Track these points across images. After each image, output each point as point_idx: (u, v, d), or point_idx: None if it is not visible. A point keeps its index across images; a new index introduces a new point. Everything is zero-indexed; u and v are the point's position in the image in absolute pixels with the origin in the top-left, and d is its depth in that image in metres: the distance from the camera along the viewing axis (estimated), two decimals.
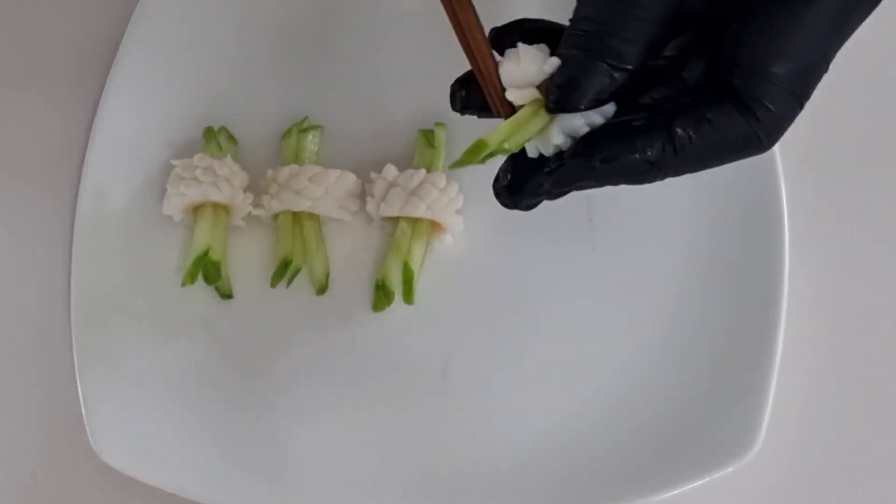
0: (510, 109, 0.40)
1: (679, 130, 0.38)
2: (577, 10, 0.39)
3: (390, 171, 0.55)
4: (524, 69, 0.40)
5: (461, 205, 0.55)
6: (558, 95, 0.39)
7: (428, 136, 0.57)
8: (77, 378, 0.53)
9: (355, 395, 0.54)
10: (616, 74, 0.38)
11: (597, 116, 0.39)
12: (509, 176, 0.41)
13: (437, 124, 0.57)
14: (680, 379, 0.53)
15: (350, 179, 0.56)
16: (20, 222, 0.59)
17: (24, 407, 0.56)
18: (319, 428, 0.53)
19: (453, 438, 0.53)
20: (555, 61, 0.40)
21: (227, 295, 0.56)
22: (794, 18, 0.38)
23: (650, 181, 0.39)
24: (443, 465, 0.53)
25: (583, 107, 0.39)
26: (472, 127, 0.57)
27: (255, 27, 0.61)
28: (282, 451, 0.53)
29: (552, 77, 0.39)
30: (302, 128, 0.58)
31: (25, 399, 0.56)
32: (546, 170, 0.40)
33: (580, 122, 0.39)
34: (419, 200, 0.54)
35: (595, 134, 0.39)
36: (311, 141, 0.58)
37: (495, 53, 0.41)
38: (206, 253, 0.54)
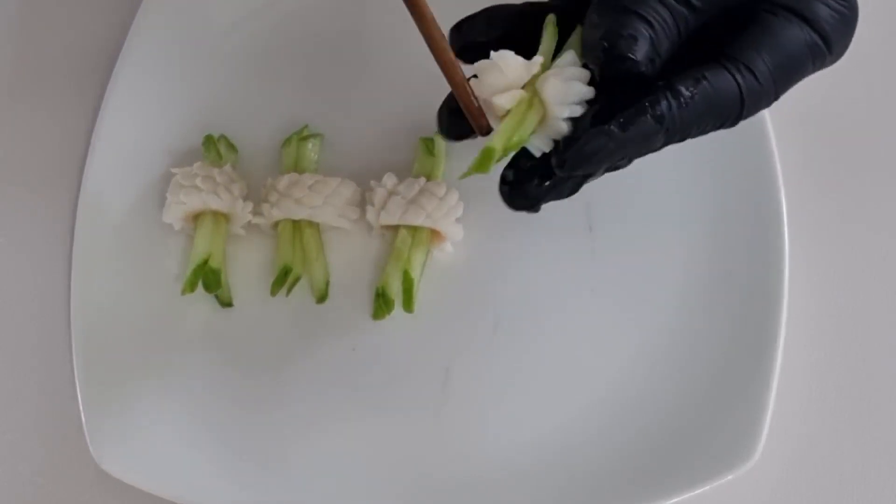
0: (488, 126, 0.41)
1: (682, 88, 0.41)
2: None
3: (390, 179, 0.55)
4: (507, 76, 0.40)
5: (461, 213, 0.55)
6: (602, 47, 0.41)
7: (428, 145, 0.57)
8: (77, 386, 0.53)
9: (355, 403, 0.54)
10: (658, 30, 0.41)
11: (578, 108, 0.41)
12: (513, 175, 0.42)
13: (437, 133, 0.57)
14: (679, 387, 0.53)
15: (350, 188, 0.56)
16: (20, 230, 0.59)
17: (24, 415, 0.56)
18: (319, 436, 0.53)
19: (453, 446, 0.53)
20: (538, 59, 0.40)
21: (227, 303, 0.56)
22: (786, 28, 0.42)
23: (660, 146, 0.42)
24: (443, 473, 0.53)
25: (639, 55, 0.40)
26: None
27: (254, 35, 0.61)
28: (281, 460, 0.53)
29: (595, 36, 0.41)
30: (302, 136, 0.58)
31: (25, 407, 0.56)
32: (558, 154, 0.41)
33: (577, 105, 0.41)
34: (419, 209, 0.54)
35: (606, 102, 0.41)
36: (311, 149, 0.58)
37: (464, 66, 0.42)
38: (206, 261, 0.54)
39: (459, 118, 0.44)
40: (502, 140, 0.40)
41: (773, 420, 0.51)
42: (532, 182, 0.43)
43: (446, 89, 0.58)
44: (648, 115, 0.41)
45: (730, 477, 0.50)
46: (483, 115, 0.42)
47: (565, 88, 0.41)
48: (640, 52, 0.40)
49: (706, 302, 0.54)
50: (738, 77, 0.41)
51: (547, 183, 0.43)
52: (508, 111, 0.42)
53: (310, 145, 0.58)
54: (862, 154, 0.59)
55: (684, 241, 0.55)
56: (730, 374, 0.52)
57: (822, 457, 0.54)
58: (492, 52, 0.42)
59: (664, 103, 0.41)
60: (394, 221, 0.54)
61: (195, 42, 0.60)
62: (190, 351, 0.55)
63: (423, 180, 0.55)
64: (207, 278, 0.54)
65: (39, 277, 0.58)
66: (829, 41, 0.43)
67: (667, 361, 0.54)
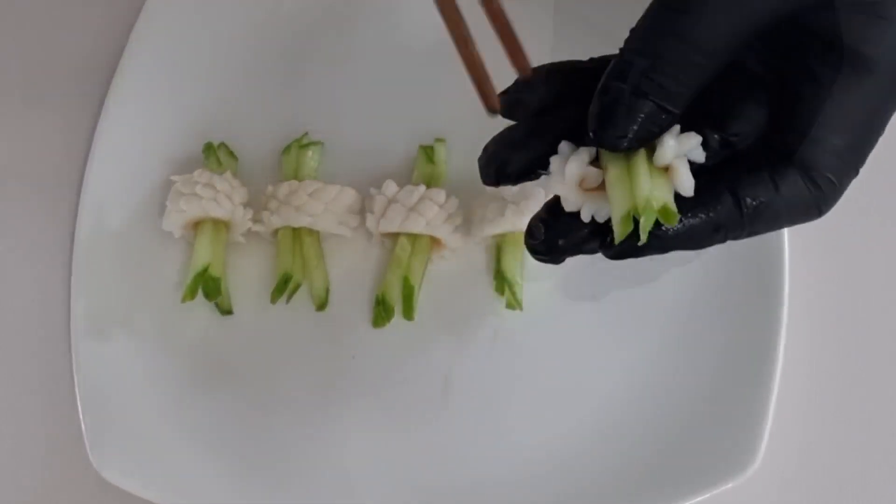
0: (496, 104, 0.39)
1: (748, 199, 0.38)
2: (627, 42, 0.38)
3: (390, 186, 0.55)
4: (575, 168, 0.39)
5: (461, 221, 0.55)
6: (595, 126, 0.37)
7: (428, 152, 0.57)
8: (77, 394, 0.53)
9: (355, 410, 0.54)
10: (662, 116, 0.37)
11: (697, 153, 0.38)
12: (543, 232, 0.40)
13: (437, 140, 0.57)
14: (679, 395, 0.53)
15: (350, 195, 0.56)
16: (20, 238, 0.59)
17: (23, 422, 0.56)
18: (319, 443, 0.53)
19: (453, 454, 0.53)
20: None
21: (227, 311, 0.56)
22: (854, 86, 0.37)
23: (711, 245, 0.39)
24: (443, 481, 0.53)
25: (624, 145, 0.37)
26: (472, 143, 0.58)
27: (254, 43, 0.61)
28: (281, 467, 0.53)
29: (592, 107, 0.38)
30: (302, 143, 0.58)
31: (25, 414, 0.56)
32: (606, 242, 0.39)
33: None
34: (419, 216, 0.54)
35: None
36: (311, 157, 0.58)
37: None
38: (206, 269, 0.54)
39: (513, 161, 0.41)
40: (643, 198, 0.37)
41: (774, 427, 0.51)
42: (562, 240, 0.41)
43: (447, 97, 0.58)
44: (704, 220, 0.38)
45: (730, 485, 0.50)
46: (493, 91, 0.40)
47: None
48: (621, 143, 0.37)
49: (706, 309, 0.54)
50: (812, 188, 0.38)
51: (582, 246, 0.41)
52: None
53: (310, 153, 0.58)
54: (863, 170, 0.58)
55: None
56: (730, 381, 0.52)
57: (822, 464, 0.53)
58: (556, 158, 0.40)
59: (723, 211, 0.38)
60: (394, 229, 0.54)
61: (195, 49, 0.60)
62: (190, 358, 0.55)
63: (422, 188, 0.55)
64: (207, 286, 0.54)
65: (40, 284, 0.58)
66: None
67: (666, 369, 0.54)
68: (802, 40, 0.38)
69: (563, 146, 0.40)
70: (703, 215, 0.38)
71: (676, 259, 0.55)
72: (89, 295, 0.55)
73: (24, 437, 0.56)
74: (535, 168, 0.41)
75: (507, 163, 0.41)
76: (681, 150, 0.38)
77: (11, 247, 0.59)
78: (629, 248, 0.38)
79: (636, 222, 0.37)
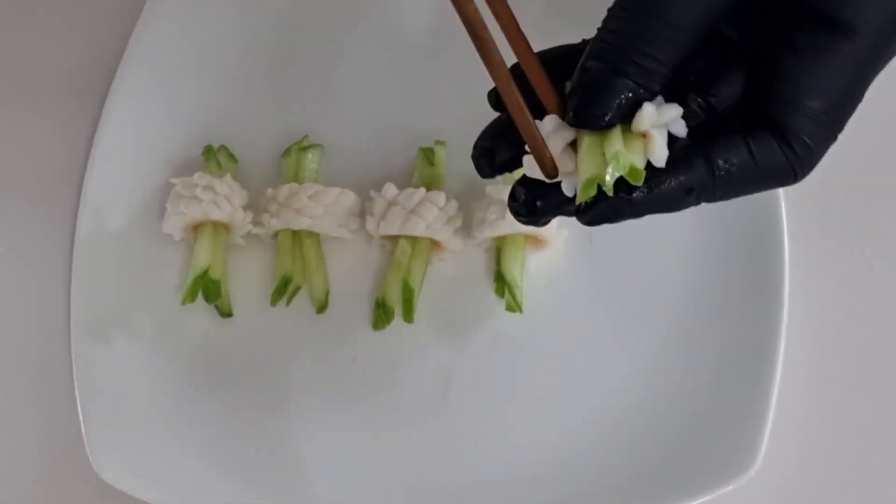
0: (555, 169, 0.39)
1: (720, 161, 0.38)
2: (605, 22, 0.38)
3: (390, 189, 0.55)
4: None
5: (461, 223, 0.55)
6: (577, 105, 0.38)
7: (427, 155, 0.57)
8: (77, 396, 0.53)
9: (356, 413, 0.54)
10: (641, 92, 0.37)
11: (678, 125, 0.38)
12: (524, 196, 0.40)
13: (437, 142, 0.57)
14: (679, 397, 0.53)
15: (350, 198, 0.56)
16: (20, 240, 0.59)
17: (23, 425, 0.56)
18: (320, 445, 0.53)
19: (453, 455, 0.53)
20: None
21: (226, 313, 0.56)
22: (833, 51, 0.37)
23: (684, 208, 0.39)
24: (443, 482, 0.53)
25: (604, 123, 0.37)
26: (472, 146, 0.58)
27: (254, 46, 0.61)
28: (282, 470, 0.53)
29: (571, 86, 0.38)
30: (301, 146, 0.58)
31: (25, 417, 0.56)
32: (581, 208, 0.39)
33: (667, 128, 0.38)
34: (419, 219, 0.54)
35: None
36: (311, 159, 0.58)
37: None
38: (206, 271, 0.54)
39: (498, 151, 0.42)
40: (602, 164, 0.37)
41: (773, 430, 0.51)
42: (542, 204, 0.41)
43: (447, 99, 0.58)
44: (675, 184, 0.38)
45: (730, 487, 0.50)
46: (551, 158, 0.40)
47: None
48: (598, 122, 0.37)
49: (706, 312, 0.54)
50: (787, 151, 0.38)
51: (561, 208, 0.41)
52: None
53: (310, 155, 0.58)
54: (862, 170, 0.58)
55: (684, 251, 0.55)
56: (729, 384, 0.52)
57: (822, 466, 0.54)
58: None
59: (695, 174, 0.38)
60: (394, 231, 0.54)
61: (195, 53, 0.60)
62: (190, 361, 0.55)
63: (422, 190, 0.55)
64: (207, 288, 0.54)
65: (40, 287, 0.58)
66: (881, 40, 0.37)
67: (666, 371, 0.54)
68: (780, 7, 0.38)
69: (548, 120, 0.40)
70: (674, 178, 0.38)
71: (676, 261, 0.55)
72: (89, 297, 0.55)
73: (24, 439, 0.56)
74: (522, 155, 0.41)
75: (496, 152, 0.42)
76: (660, 119, 0.38)
77: (12, 249, 0.59)
78: (603, 213, 0.39)
79: (601, 190, 0.37)
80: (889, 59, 0.39)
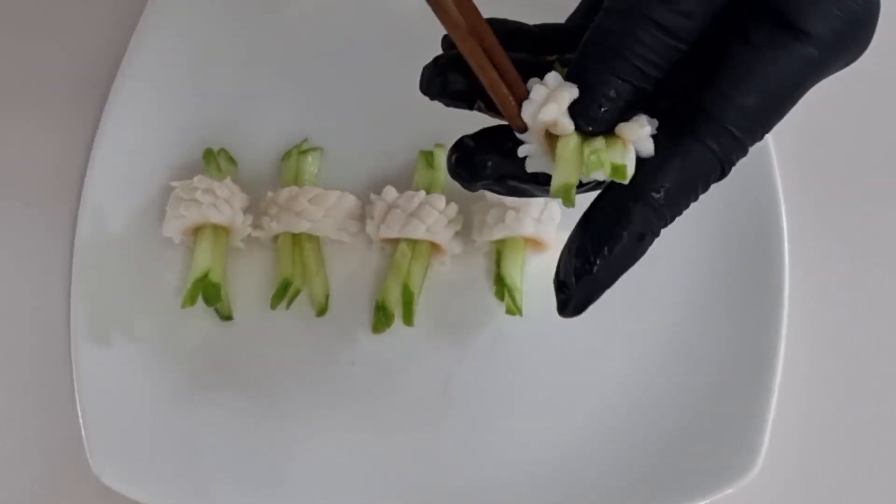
0: (523, 124, 0.39)
1: (653, 194, 0.38)
2: (599, 20, 0.38)
3: (390, 192, 0.55)
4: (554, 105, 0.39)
5: (460, 226, 0.55)
6: (578, 107, 0.38)
7: (427, 158, 0.57)
8: (77, 399, 0.53)
9: (355, 416, 0.54)
10: (637, 95, 0.38)
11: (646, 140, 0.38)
12: (455, 157, 0.41)
13: (437, 145, 0.57)
14: (679, 400, 0.53)
15: (350, 201, 0.56)
16: (20, 243, 0.59)
17: (23, 428, 0.56)
18: (320, 449, 0.53)
19: (453, 459, 0.53)
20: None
21: (226, 316, 0.56)
22: (782, 51, 0.38)
23: (643, 254, 0.39)
24: (443, 485, 0.53)
25: (602, 126, 0.38)
26: None
27: (254, 49, 0.61)
28: (282, 473, 0.53)
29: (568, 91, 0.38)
30: (302, 149, 0.58)
31: (25, 420, 0.56)
32: (561, 303, 0.40)
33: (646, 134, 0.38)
34: (419, 222, 0.54)
35: (581, 229, 0.39)
36: (311, 162, 0.58)
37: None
38: (206, 275, 0.54)
39: (449, 81, 0.41)
40: (569, 177, 0.37)
41: (774, 433, 0.51)
42: (484, 159, 0.41)
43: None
44: (625, 238, 0.38)
45: (730, 490, 0.50)
46: (518, 115, 0.39)
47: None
48: (597, 125, 0.38)
49: (706, 314, 0.54)
50: (711, 142, 0.38)
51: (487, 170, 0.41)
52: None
53: (310, 158, 0.58)
54: (862, 171, 0.59)
55: (684, 252, 0.55)
56: (729, 386, 0.52)
57: (822, 469, 0.54)
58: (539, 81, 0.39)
59: (637, 218, 0.38)
60: (394, 234, 0.54)
61: (195, 56, 0.61)
62: (190, 364, 0.55)
63: (422, 193, 0.55)
64: (207, 292, 0.54)
65: (40, 290, 0.58)
66: (832, 49, 0.38)
67: (666, 373, 0.54)
68: (739, 5, 0.38)
69: (551, 77, 0.39)
70: (625, 240, 0.38)
71: (676, 264, 0.55)
72: (89, 300, 0.55)
73: (25, 442, 0.56)
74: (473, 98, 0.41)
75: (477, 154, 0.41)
76: (642, 132, 0.38)
77: (12, 252, 0.59)
78: (582, 298, 0.40)
79: (563, 285, 0.39)
80: (827, 73, 0.39)
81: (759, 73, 0.38)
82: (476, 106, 0.41)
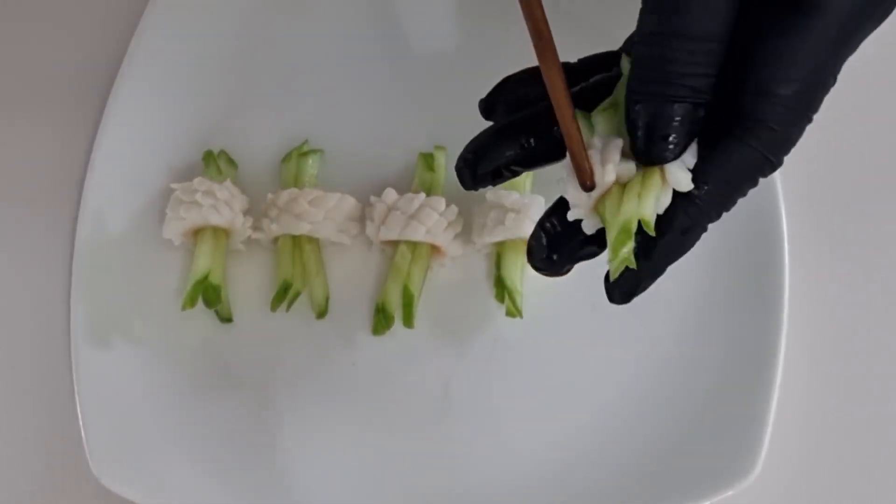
0: (593, 183, 0.39)
1: (693, 191, 0.39)
2: (638, 46, 0.38)
3: (390, 194, 0.55)
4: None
5: (460, 228, 0.55)
6: (646, 141, 0.38)
7: (427, 160, 0.57)
8: (77, 401, 0.53)
9: (356, 418, 0.54)
10: (699, 113, 0.38)
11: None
12: (546, 247, 0.41)
13: (437, 148, 0.57)
14: (679, 403, 0.53)
15: (350, 203, 0.56)
16: (20, 246, 0.59)
17: (23, 430, 0.56)
18: (320, 451, 0.53)
19: (453, 461, 0.53)
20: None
21: (227, 319, 0.56)
22: (798, 32, 0.37)
23: (691, 247, 0.40)
24: (443, 488, 0.53)
25: (672, 156, 0.38)
26: None
27: (254, 51, 0.61)
28: (282, 475, 0.53)
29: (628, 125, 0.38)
30: (302, 151, 0.58)
31: (25, 422, 0.56)
32: (608, 288, 0.41)
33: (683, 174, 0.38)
34: (419, 224, 0.54)
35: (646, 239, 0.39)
36: (311, 164, 0.58)
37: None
38: (206, 276, 0.54)
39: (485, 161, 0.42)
40: (633, 213, 0.38)
41: (774, 435, 0.51)
42: (563, 252, 0.41)
43: (446, 105, 0.58)
44: (670, 235, 0.39)
45: (730, 492, 0.50)
46: (592, 171, 0.39)
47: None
48: (673, 153, 0.38)
49: (706, 317, 0.54)
50: (750, 139, 0.38)
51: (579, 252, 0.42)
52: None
53: (310, 161, 0.58)
54: (862, 168, 0.59)
55: (685, 257, 0.55)
56: (730, 389, 0.52)
57: (822, 472, 0.54)
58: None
59: (681, 215, 0.39)
60: (394, 237, 0.54)
61: (194, 57, 0.60)
62: (190, 366, 0.55)
63: (422, 196, 0.55)
64: (207, 294, 0.54)
65: (39, 293, 0.58)
66: (852, 14, 0.37)
67: (667, 377, 0.54)
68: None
69: (597, 141, 0.40)
70: (667, 230, 0.39)
71: (676, 267, 0.55)
72: (89, 302, 0.55)
73: (25, 444, 0.56)
74: (506, 166, 0.42)
75: (478, 164, 0.42)
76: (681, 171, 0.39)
77: (12, 254, 0.59)
78: (629, 285, 0.41)
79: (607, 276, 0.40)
80: (860, 37, 0.38)
81: (784, 63, 0.37)
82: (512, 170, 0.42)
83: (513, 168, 0.42)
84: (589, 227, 0.40)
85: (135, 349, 0.55)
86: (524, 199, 0.54)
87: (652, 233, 0.38)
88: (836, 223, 0.58)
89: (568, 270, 0.43)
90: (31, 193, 0.60)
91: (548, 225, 0.42)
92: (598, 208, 0.40)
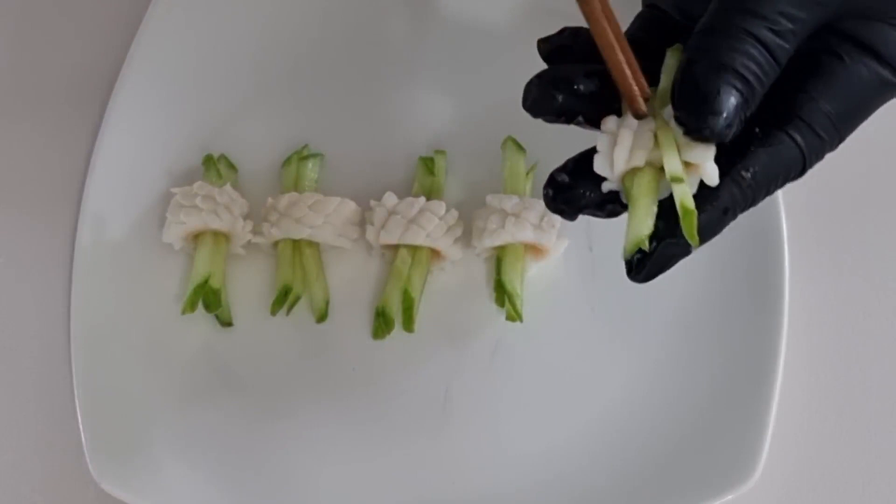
0: (644, 111, 0.40)
1: (743, 173, 0.40)
2: (695, 40, 0.39)
3: (390, 198, 0.55)
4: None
5: (460, 232, 0.55)
6: (700, 119, 0.38)
7: (427, 164, 0.57)
8: (77, 406, 0.53)
9: (356, 422, 0.54)
10: (755, 99, 0.39)
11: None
12: (552, 193, 0.42)
13: (437, 152, 0.57)
14: (679, 407, 0.53)
15: (350, 207, 0.56)
16: (20, 251, 0.59)
17: (23, 434, 0.56)
18: (320, 456, 0.53)
19: (453, 466, 0.53)
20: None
21: (227, 323, 0.56)
22: (866, 70, 0.41)
23: (724, 228, 0.41)
24: (443, 493, 0.53)
25: (729, 135, 0.38)
26: (471, 155, 0.58)
27: (254, 55, 0.61)
28: (282, 479, 0.53)
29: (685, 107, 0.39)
30: (302, 155, 0.58)
31: (25, 427, 0.56)
32: (633, 267, 0.41)
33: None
34: (419, 228, 0.54)
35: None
36: (311, 169, 0.58)
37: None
38: (206, 281, 0.54)
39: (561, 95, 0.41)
40: (644, 228, 0.39)
41: (774, 440, 0.51)
42: (580, 191, 0.42)
43: (447, 108, 0.58)
44: (711, 210, 0.40)
45: (730, 497, 0.50)
46: (639, 97, 0.40)
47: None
48: (728, 131, 0.38)
49: (706, 321, 0.54)
50: (798, 137, 0.40)
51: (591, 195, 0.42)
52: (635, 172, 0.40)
53: (310, 165, 0.58)
54: (863, 171, 0.59)
55: (683, 261, 0.55)
56: (730, 394, 0.52)
57: (821, 476, 0.53)
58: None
59: (725, 194, 0.40)
60: (394, 241, 0.54)
61: (195, 62, 0.61)
62: (190, 370, 0.55)
63: (422, 199, 0.55)
64: (207, 298, 0.54)
65: (39, 297, 0.58)
66: None
67: (666, 381, 0.54)
68: (828, 33, 0.41)
69: (610, 122, 0.40)
70: (710, 205, 0.40)
71: (676, 271, 0.55)
72: (89, 307, 0.55)
73: (25, 448, 0.56)
74: (576, 113, 0.42)
75: (553, 98, 0.41)
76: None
77: (12, 259, 0.59)
78: (657, 263, 0.41)
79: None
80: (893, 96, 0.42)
81: (845, 84, 0.41)
82: (576, 120, 0.42)
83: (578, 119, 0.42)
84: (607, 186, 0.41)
85: (135, 353, 0.55)
86: (524, 203, 0.54)
87: (683, 179, 0.38)
88: (836, 228, 0.58)
89: (575, 216, 0.43)
90: (32, 197, 0.60)
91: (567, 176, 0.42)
92: (624, 181, 0.40)
